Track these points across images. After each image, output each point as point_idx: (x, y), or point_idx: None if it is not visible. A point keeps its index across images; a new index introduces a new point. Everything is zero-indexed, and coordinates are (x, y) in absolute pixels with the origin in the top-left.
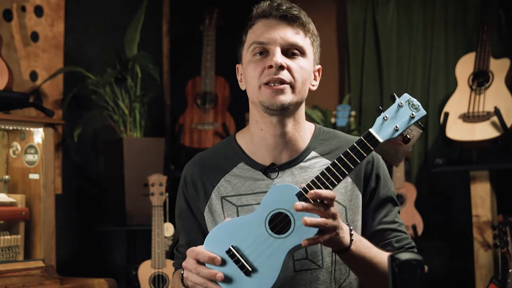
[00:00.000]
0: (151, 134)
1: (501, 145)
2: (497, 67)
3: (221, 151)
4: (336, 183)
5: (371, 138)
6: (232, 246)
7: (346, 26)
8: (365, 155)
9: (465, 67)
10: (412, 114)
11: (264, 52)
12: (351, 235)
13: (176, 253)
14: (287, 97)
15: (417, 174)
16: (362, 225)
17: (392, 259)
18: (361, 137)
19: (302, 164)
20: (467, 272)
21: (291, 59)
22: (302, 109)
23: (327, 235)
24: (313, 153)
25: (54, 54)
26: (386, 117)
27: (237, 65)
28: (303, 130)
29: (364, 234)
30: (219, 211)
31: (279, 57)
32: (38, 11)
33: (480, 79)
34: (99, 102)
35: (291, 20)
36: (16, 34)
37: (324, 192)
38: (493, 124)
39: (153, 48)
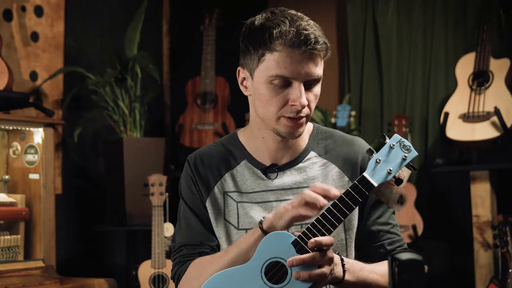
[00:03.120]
0: (151, 134)
1: (501, 145)
2: (497, 67)
3: (226, 147)
4: (332, 229)
5: (366, 182)
6: None
7: (346, 26)
8: (360, 200)
9: (465, 67)
10: (404, 156)
11: (286, 83)
12: (343, 265)
13: (172, 244)
14: (303, 128)
15: (417, 174)
16: (357, 224)
17: (392, 259)
18: (355, 182)
19: (301, 164)
20: (467, 272)
21: (310, 89)
22: None
23: (324, 281)
24: (311, 153)
25: (54, 54)
26: (379, 160)
27: (239, 68)
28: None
29: (358, 232)
30: (221, 205)
31: (304, 99)
32: (38, 11)
33: (480, 79)
34: (99, 102)
35: (314, 54)
36: (16, 34)
37: (324, 239)
38: (493, 124)
39: (153, 48)
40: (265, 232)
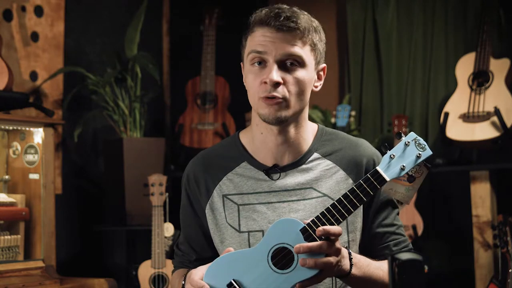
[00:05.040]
0: (151, 134)
1: (501, 145)
2: (497, 67)
3: (225, 149)
4: (341, 220)
5: (378, 176)
6: (234, 280)
7: (346, 26)
8: (372, 193)
9: (465, 67)
10: (419, 154)
11: (262, 62)
12: (350, 259)
13: (176, 250)
14: (282, 112)
15: None
16: (362, 226)
17: (392, 259)
18: (368, 175)
19: (304, 166)
20: (467, 272)
21: (288, 71)
22: (305, 112)
23: (330, 271)
24: (315, 155)
25: (54, 54)
26: (393, 155)
27: (242, 63)
28: (306, 132)
29: (363, 235)
30: (220, 209)
31: (274, 74)
32: (38, 11)
33: (480, 79)
34: (99, 102)
35: (287, 32)
36: (16, 34)
37: (332, 228)
38: (493, 124)
39: (153, 48)
40: None
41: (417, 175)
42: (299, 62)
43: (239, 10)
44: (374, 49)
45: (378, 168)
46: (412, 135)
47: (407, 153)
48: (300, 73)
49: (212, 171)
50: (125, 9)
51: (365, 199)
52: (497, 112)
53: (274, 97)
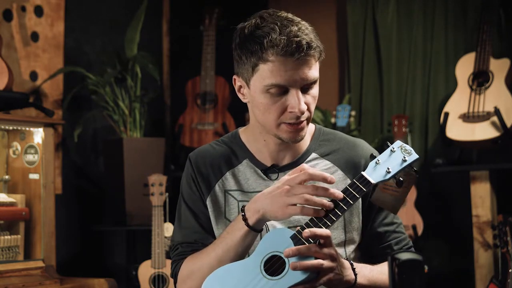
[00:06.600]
0: (151, 134)
1: (501, 145)
2: (497, 67)
3: (227, 146)
4: (330, 224)
5: (363, 179)
6: None
7: (346, 26)
8: (358, 196)
9: (465, 67)
10: (404, 158)
11: (282, 90)
12: (353, 269)
13: (181, 245)
14: (304, 131)
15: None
16: (362, 227)
17: (392, 259)
18: (354, 180)
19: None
20: (467, 272)
21: (306, 91)
22: None
23: (324, 277)
24: (313, 155)
25: (54, 54)
26: (378, 161)
27: (235, 77)
28: None
29: (364, 235)
30: (222, 203)
31: (303, 105)
32: (38, 11)
33: (480, 79)
34: (99, 102)
35: (308, 58)
36: (16, 34)
37: (319, 230)
38: (493, 124)
39: (153, 48)
40: (252, 228)
41: (405, 183)
42: (315, 81)
43: (239, 10)
44: (374, 49)
45: (363, 172)
46: (398, 142)
47: (393, 158)
48: (315, 89)
49: (215, 165)
50: (125, 9)
51: (352, 202)
52: (497, 112)
53: (300, 122)
